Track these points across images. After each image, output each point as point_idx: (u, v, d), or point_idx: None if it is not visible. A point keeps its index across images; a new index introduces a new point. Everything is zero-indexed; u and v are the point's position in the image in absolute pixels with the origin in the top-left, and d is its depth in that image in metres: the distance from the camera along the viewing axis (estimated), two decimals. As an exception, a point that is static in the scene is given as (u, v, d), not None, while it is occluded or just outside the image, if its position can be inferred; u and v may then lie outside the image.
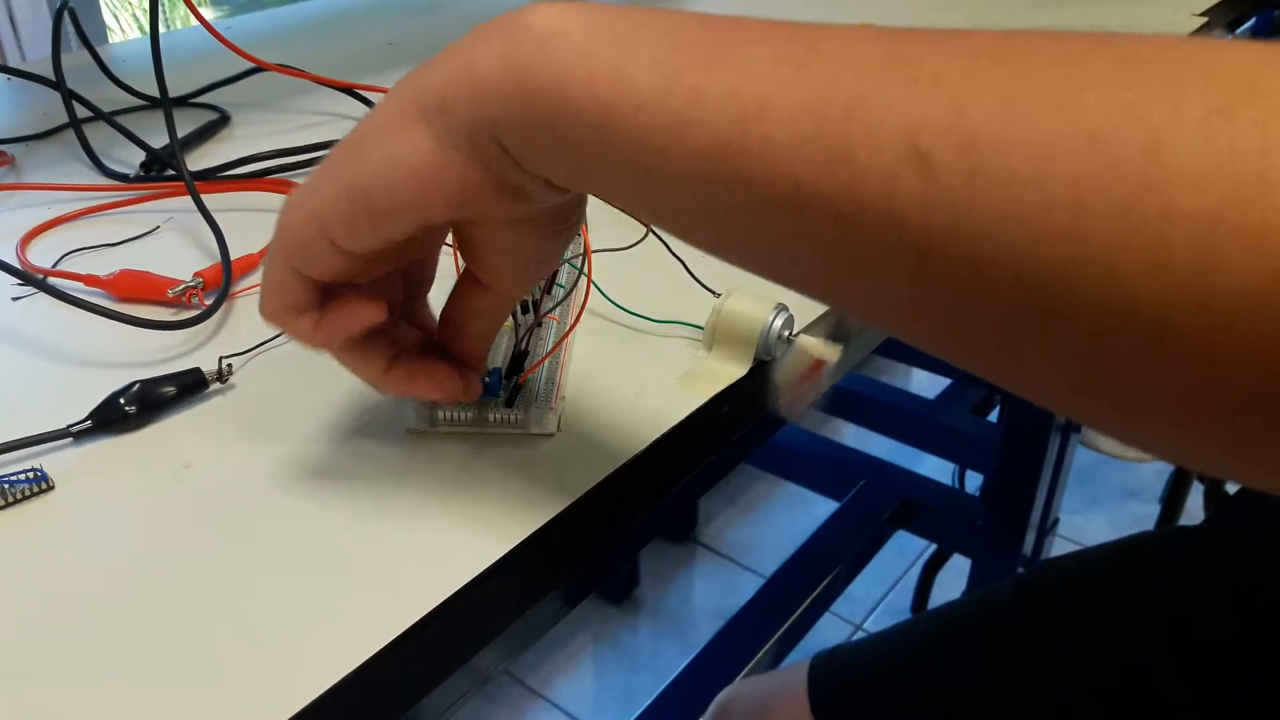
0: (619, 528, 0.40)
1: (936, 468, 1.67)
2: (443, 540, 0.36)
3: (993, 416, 1.78)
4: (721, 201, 0.26)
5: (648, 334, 0.48)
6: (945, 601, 0.76)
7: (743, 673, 1.18)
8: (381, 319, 0.35)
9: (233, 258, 0.52)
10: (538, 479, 0.39)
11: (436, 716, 0.35)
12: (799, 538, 1.40)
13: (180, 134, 0.63)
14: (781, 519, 1.80)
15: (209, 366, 0.43)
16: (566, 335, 0.46)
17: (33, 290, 0.52)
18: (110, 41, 1.13)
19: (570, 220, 0.35)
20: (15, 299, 0.52)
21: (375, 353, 0.37)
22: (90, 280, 0.51)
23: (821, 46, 0.25)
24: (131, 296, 0.51)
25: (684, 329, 0.48)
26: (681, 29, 0.28)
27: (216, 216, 0.54)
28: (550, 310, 0.48)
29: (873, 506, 1.45)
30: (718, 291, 0.46)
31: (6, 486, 0.37)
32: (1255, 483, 0.22)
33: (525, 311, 0.48)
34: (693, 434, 0.42)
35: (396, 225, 0.32)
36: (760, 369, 0.45)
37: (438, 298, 0.40)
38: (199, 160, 0.68)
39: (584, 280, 0.49)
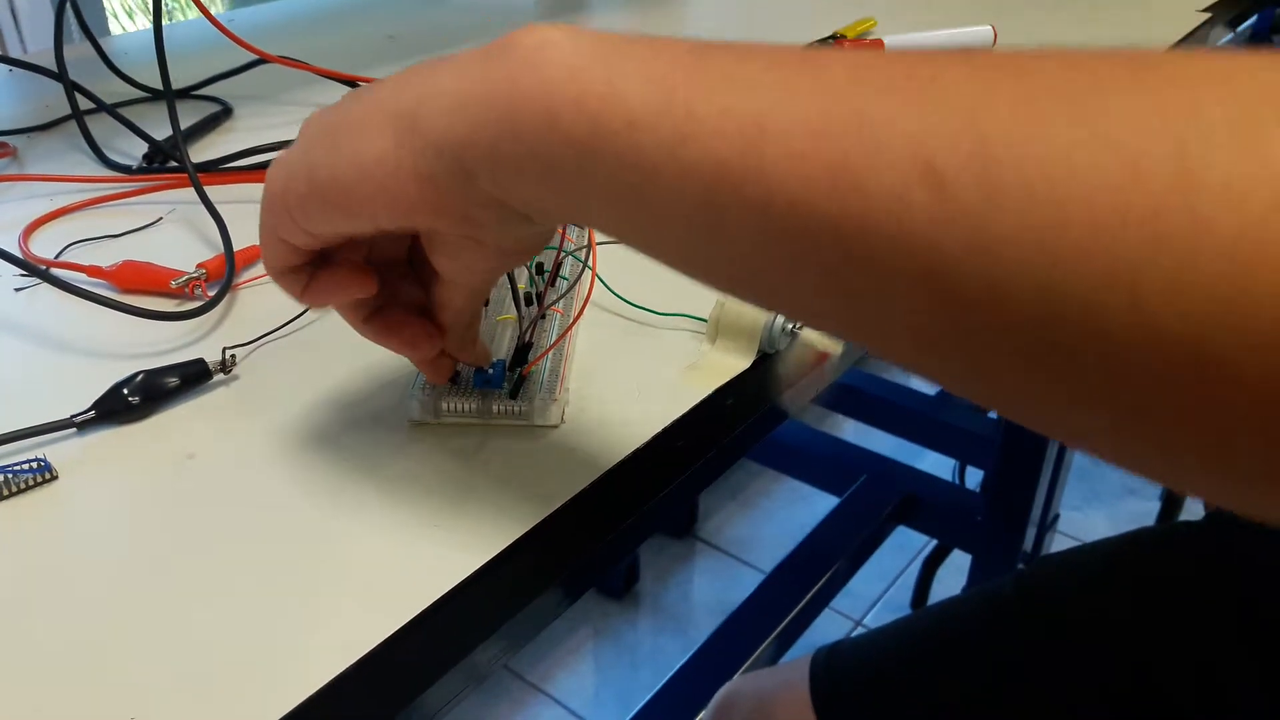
0: (621, 521, 0.40)
1: (937, 463, 1.67)
2: (444, 533, 0.36)
3: (993, 413, 1.78)
4: (718, 225, 0.25)
5: (651, 326, 0.48)
6: (945, 598, 0.76)
7: (743, 668, 1.18)
8: (369, 293, 0.36)
9: (235, 249, 0.52)
10: (540, 471, 0.39)
11: (436, 711, 0.35)
12: (799, 533, 1.40)
13: (183, 126, 0.63)
14: (782, 514, 1.80)
15: (212, 357, 0.43)
16: (570, 328, 0.46)
17: (36, 281, 0.52)
18: (112, 33, 1.13)
19: (531, 249, 0.35)
20: (18, 290, 0.52)
21: (362, 304, 0.37)
22: (93, 271, 0.51)
23: (825, 66, 0.24)
24: (134, 287, 0.51)
25: (688, 321, 0.48)
26: (676, 48, 0.27)
27: (219, 208, 0.54)
28: (554, 302, 0.48)
29: (873, 502, 1.45)
30: (721, 284, 0.46)
31: (10, 476, 0.37)
32: None
33: (529, 304, 0.48)
34: (696, 427, 0.42)
35: (347, 222, 0.32)
36: (764, 362, 0.45)
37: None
38: (201, 152, 0.68)
39: (588, 273, 0.49)
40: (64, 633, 0.32)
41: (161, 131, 0.66)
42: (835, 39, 0.88)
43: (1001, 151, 0.20)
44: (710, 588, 1.66)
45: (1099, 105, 0.20)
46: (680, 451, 0.42)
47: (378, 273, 0.36)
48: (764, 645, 1.21)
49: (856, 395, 1.54)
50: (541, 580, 0.37)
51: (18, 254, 0.52)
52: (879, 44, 0.87)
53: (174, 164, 0.65)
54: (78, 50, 0.79)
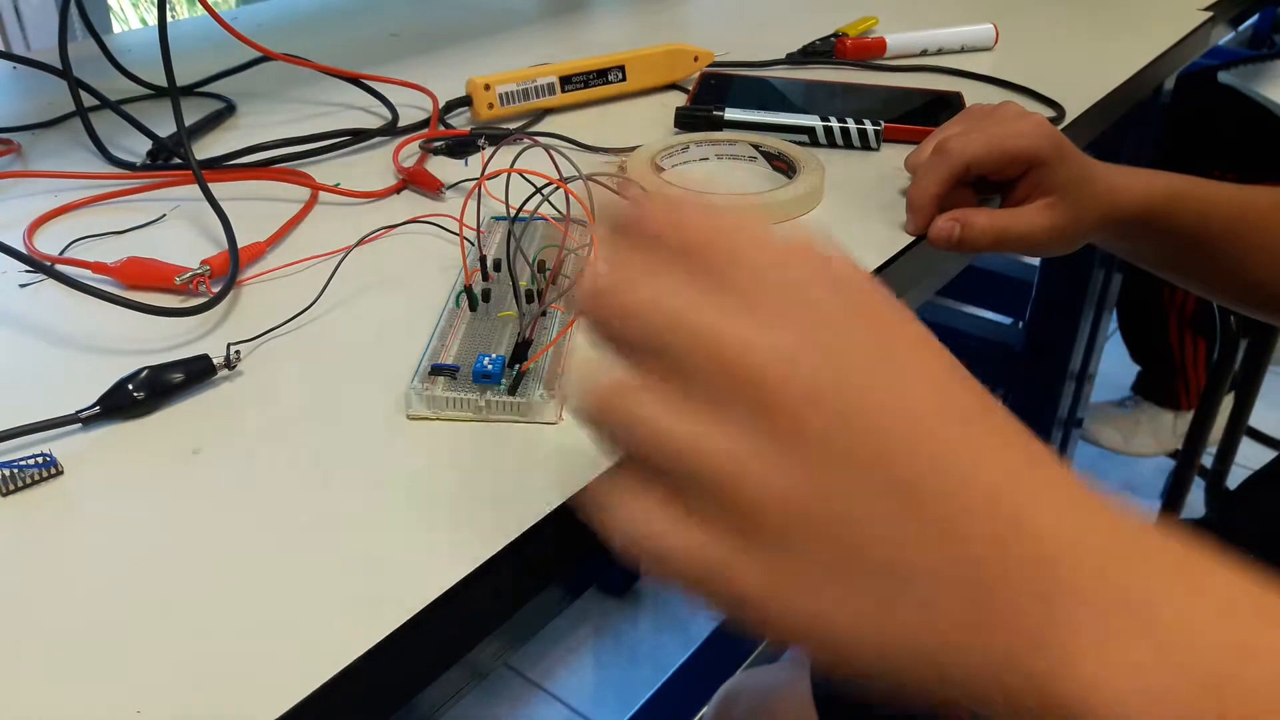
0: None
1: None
2: (444, 530, 0.36)
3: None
4: None
5: (653, 324, 0.48)
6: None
7: (742, 666, 1.19)
8: None
9: (240, 245, 0.52)
10: (540, 468, 0.39)
11: (436, 708, 0.36)
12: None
13: (186, 123, 0.63)
14: (783, 513, 1.80)
15: (216, 353, 0.44)
16: (571, 324, 0.46)
17: (40, 277, 0.52)
18: (116, 30, 1.13)
19: None
20: (23, 286, 0.52)
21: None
22: (98, 267, 0.51)
23: None
24: (139, 284, 0.51)
25: (689, 319, 0.48)
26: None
27: (223, 205, 0.54)
28: (555, 300, 0.48)
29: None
30: (723, 282, 0.46)
31: (16, 471, 0.37)
32: None
33: (530, 301, 0.48)
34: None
35: None
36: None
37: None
38: (205, 149, 0.68)
39: (589, 269, 0.49)
40: (70, 626, 0.32)
41: (165, 128, 0.66)
42: (837, 37, 0.88)
43: None
44: (711, 585, 1.66)
45: None
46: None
47: None
48: (764, 643, 1.21)
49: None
50: (542, 578, 0.38)
51: (23, 250, 0.52)
52: (880, 42, 0.87)
53: (178, 161, 0.65)
54: (82, 47, 0.79)
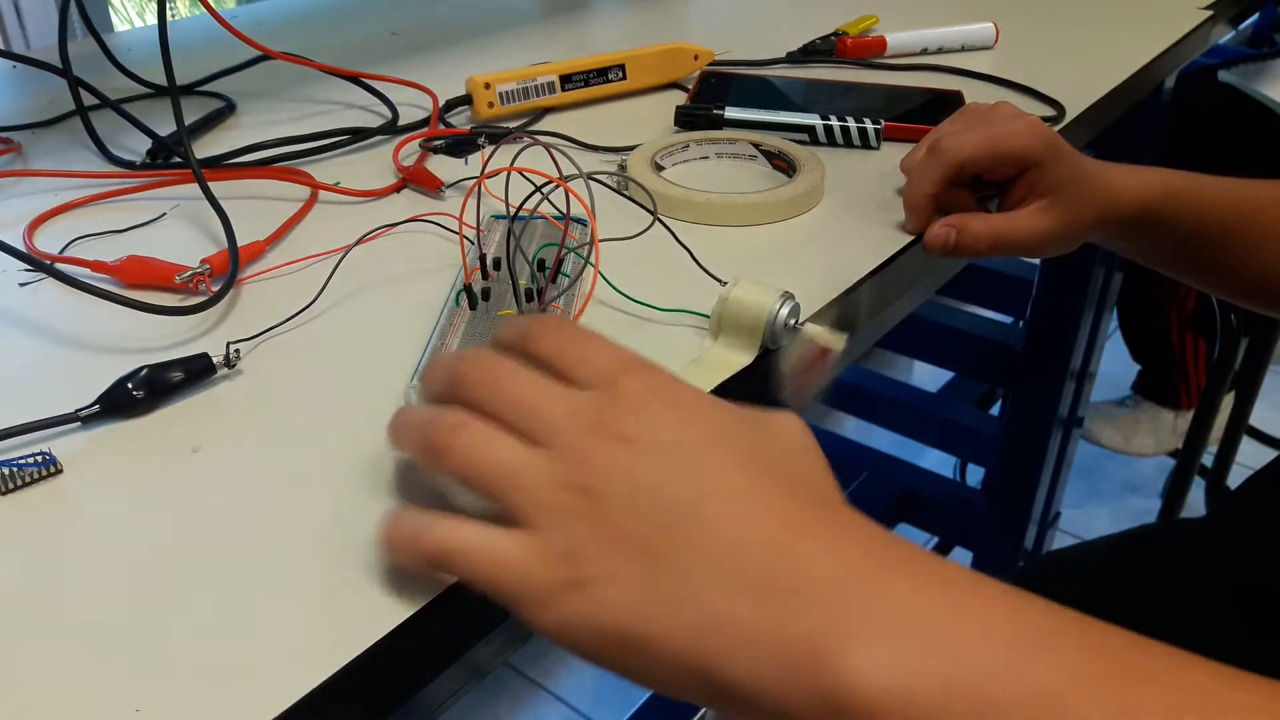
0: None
1: (938, 461, 1.67)
2: (449, 525, 0.36)
3: (994, 410, 1.78)
4: None
5: (654, 322, 0.48)
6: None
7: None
8: None
9: (239, 244, 0.52)
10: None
11: (437, 707, 0.36)
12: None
13: (186, 122, 0.63)
14: (783, 512, 1.80)
15: (216, 352, 0.43)
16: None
17: (40, 276, 0.52)
18: (116, 29, 1.13)
19: None
20: (23, 284, 0.52)
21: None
22: (97, 266, 0.51)
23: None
24: (139, 282, 0.51)
25: (690, 317, 0.48)
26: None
27: (223, 203, 0.54)
28: (555, 298, 0.48)
29: (874, 499, 1.45)
30: (724, 280, 0.47)
31: (15, 470, 0.37)
32: None
33: (529, 299, 0.48)
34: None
35: None
36: (766, 357, 0.46)
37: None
38: (205, 148, 0.68)
39: (589, 269, 0.49)
40: (69, 625, 0.32)
41: (165, 127, 0.66)
42: (837, 36, 0.88)
43: None
44: (711, 584, 1.66)
45: None
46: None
47: None
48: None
49: (858, 392, 1.54)
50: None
51: (22, 249, 0.52)
52: (880, 41, 0.87)
53: (178, 160, 0.65)
54: (82, 46, 0.79)
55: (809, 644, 0.27)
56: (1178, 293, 1.69)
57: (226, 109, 0.75)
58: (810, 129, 0.68)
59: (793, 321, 0.45)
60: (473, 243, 0.53)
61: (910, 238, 0.57)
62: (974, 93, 0.77)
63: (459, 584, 0.34)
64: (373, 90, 0.76)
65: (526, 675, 1.49)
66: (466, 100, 0.72)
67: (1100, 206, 0.58)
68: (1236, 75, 1.37)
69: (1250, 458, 1.78)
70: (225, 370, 0.44)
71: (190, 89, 0.79)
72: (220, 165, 0.64)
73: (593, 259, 0.49)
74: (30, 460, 0.38)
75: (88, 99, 0.67)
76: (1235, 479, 1.61)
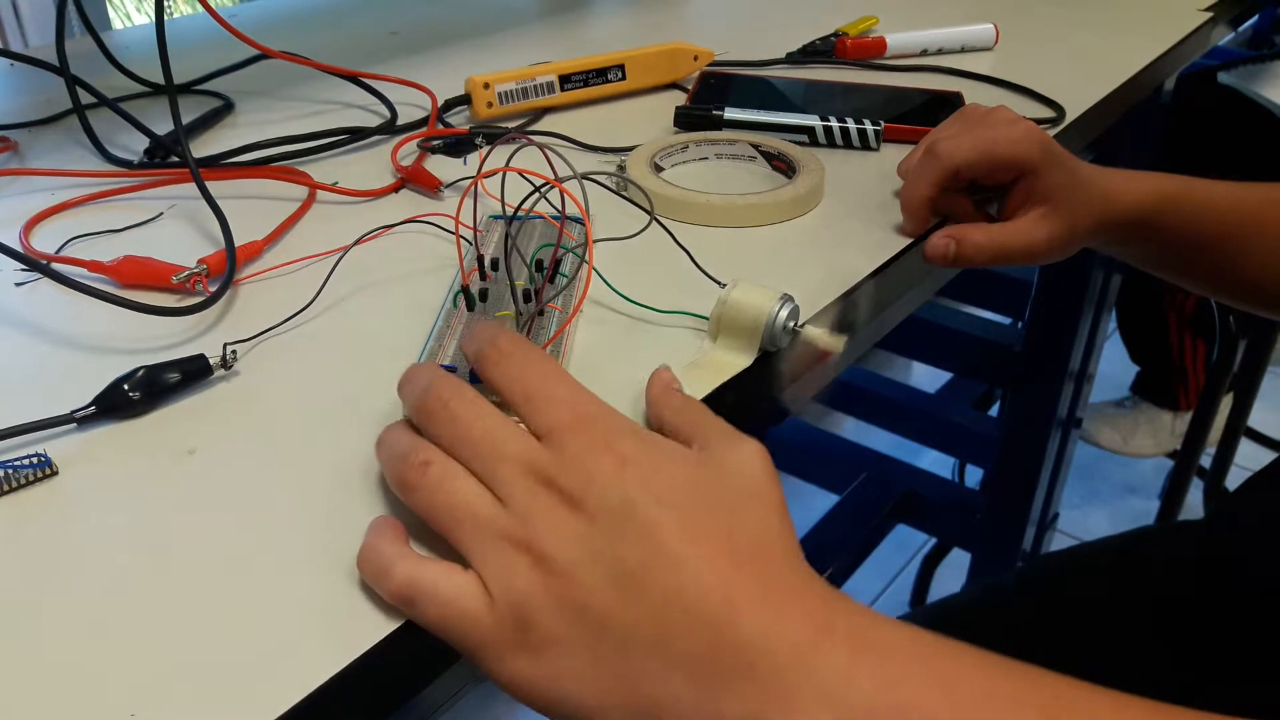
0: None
1: (937, 462, 1.67)
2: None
3: (993, 411, 1.78)
4: None
5: (652, 324, 0.48)
6: (944, 595, 0.76)
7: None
8: None
9: (237, 244, 0.52)
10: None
11: (435, 709, 0.35)
12: (799, 531, 1.40)
13: (184, 121, 0.63)
14: (781, 512, 1.80)
15: (213, 353, 0.43)
16: (567, 323, 0.46)
17: (36, 276, 0.52)
18: (114, 27, 1.12)
19: None
20: (19, 284, 0.52)
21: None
22: (94, 266, 0.51)
23: None
24: (135, 283, 0.51)
25: (688, 319, 0.48)
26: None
27: (221, 203, 0.54)
28: (552, 299, 0.48)
29: (873, 500, 1.45)
30: (723, 282, 0.46)
31: (10, 471, 0.37)
32: None
33: (527, 300, 0.48)
34: (696, 424, 0.42)
35: None
36: (765, 360, 0.45)
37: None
38: (203, 147, 0.68)
39: (586, 269, 0.49)
40: (64, 629, 0.32)
41: (163, 126, 0.66)
42: (837, 36, 0.87)
43: None
44: (709, 585, 1.66)
45: None
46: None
47: None
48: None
49: (857, 393, 1.54)
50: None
51: (19, 249, 0.52)
52: (880, 42, 0.87)
53: (175, 159, 0.65)
54: (79, 45, 0.79)
55: None
56: (1177, 294, 1.69)
57: (225, 108, 0.75)
58: (810, 130, 0.68)
59: (792, 323, 0.45)
60: (470, 243, 0.53)
61: (909, 240, 0.56)
62: (974, 94, 0.77)
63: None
64: (371, 90, 0.76)
65: (524, 675, 1.49)
66: (465, 100, 0.72)
67: (1098, 212, 0.58)
68: (1236, 77, 1.37)
69: (1249, 459, 1.78)
70: (222, 371, 0.44)
71: (188, 88, 0.79)
72: (218, 165, 0.64)
73: (589, 259, 0.49)
74: (25, 462, 0.38)
75: (85, 97, 0.67)
76: (1234, 480, 1.61)
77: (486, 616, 0.31)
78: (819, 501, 1.59)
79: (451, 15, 1.00)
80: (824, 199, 0.61)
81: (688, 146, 0.66)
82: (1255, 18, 1.75)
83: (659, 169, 0.63)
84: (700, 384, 0.43)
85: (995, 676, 0.29)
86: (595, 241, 0.53)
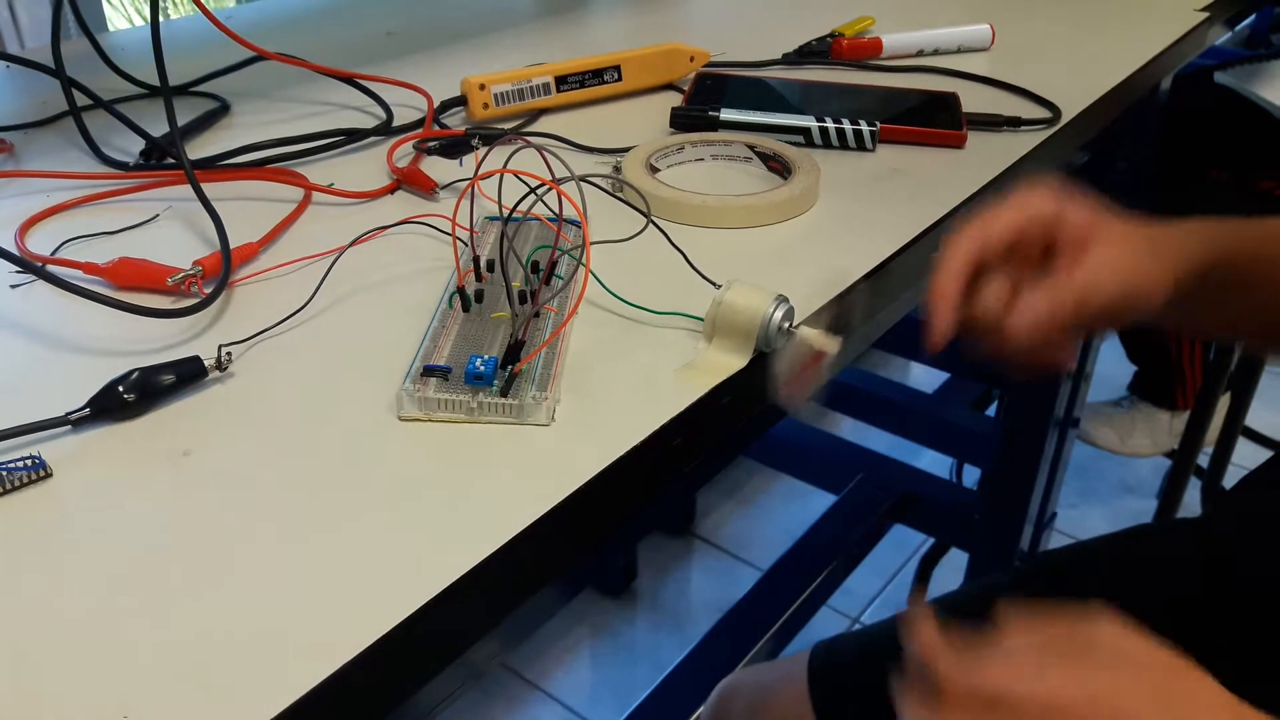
0: (616, 520, 0.40)
1: (934, 462, 1.67)
2: (437, 531, 0.36)
3: (991, 411, 1.78)
4: None
5: (647, 325, 0.48)
6: (943, 594, 0.76)
7: (739, 666, 1.18)
8: None
9: (232, 246, 0.52)
10: (533, 469, 0.39)
11: (433, 707, 0.35)
12: (796, 531, 1.40)
13: (180, 123, 0.63)
14: (779, 512, 1.80)
15: (208, 355, 0.43)
16: (563, 325, 0.46)
17: (31, 278, 0.52)
18: (112, 29, 1.12)
19: None
20: (14, 286, 0.52)
21: None
22: (89, 268, 0.51)
23: None
24: (130, 284, 0.51)
25: (684, 320, 0.48)
26: None
27: (216, 205, 0.54)
28: (548, 300, 0.48)
29: (870, 500, 1.45)
30: (718, 283, 0.46)
31: (5, 474, 0.37)
32: None
33: (523, 302, 0.48)
34: (693, 425, 0.42)
35: None
36: (760, 360, 0.45)
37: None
38: (199, 149, 0.68)
39: (582, 271, 0.49)
40: (58, 631, 0.32)
41: (159, 128, 0.66)
42: (833, 37, 0.88)
43: None
44: (707, 585, 1.66)
45: None
46: (677, 449, 0.42)
47: None
48: (761, 643, 1.21)
49: (854, 393, 1.54)
50: (538, 577, 0.37)
51: (14, 251, 0.52)
52: (876, 43, 0.87)
53: (171, 161, 0.65)
54: (75, 47, 0.79)
55: None
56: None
57: (220, 110, 0.75)
58: (806, 131, 0.68)
59: (787, 324, 0.45)
60: (466, 245, 0.53)
61: (907, 239, 0.56)
62: (970, 94, 0.77)
63: (451, 587, 0.34)
64: (367, 91, 0.76)
65: (523, 676, 1.49)
66: (461, 101, 0.72)
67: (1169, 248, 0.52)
68: (1233, 77, 1.37)
69: (1246, 458, 1.78)
70: (217, 373, 0.44)
71: (184, 90, 0.79)
72: (214, 166, 0.64)
73: (585, 261, 0.49)
74: (19, 464, 0.38)
75: (81, 99, 0.67)
76: (1231, 479, 1.61)
77: None
78: (817, 501, 1.59)
79: (447, 16, 1.00)
80: (819, 200, 0.61)
81: (684, 148, 0.66)
82: (1252, 17, 1.75)
83: (655, 170, 0.63)
84: (695, 385, 0.43)
85: None
86: (591, 244, 0.53)
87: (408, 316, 0.48)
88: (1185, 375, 1.79)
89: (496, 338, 0.45)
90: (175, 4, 2.14)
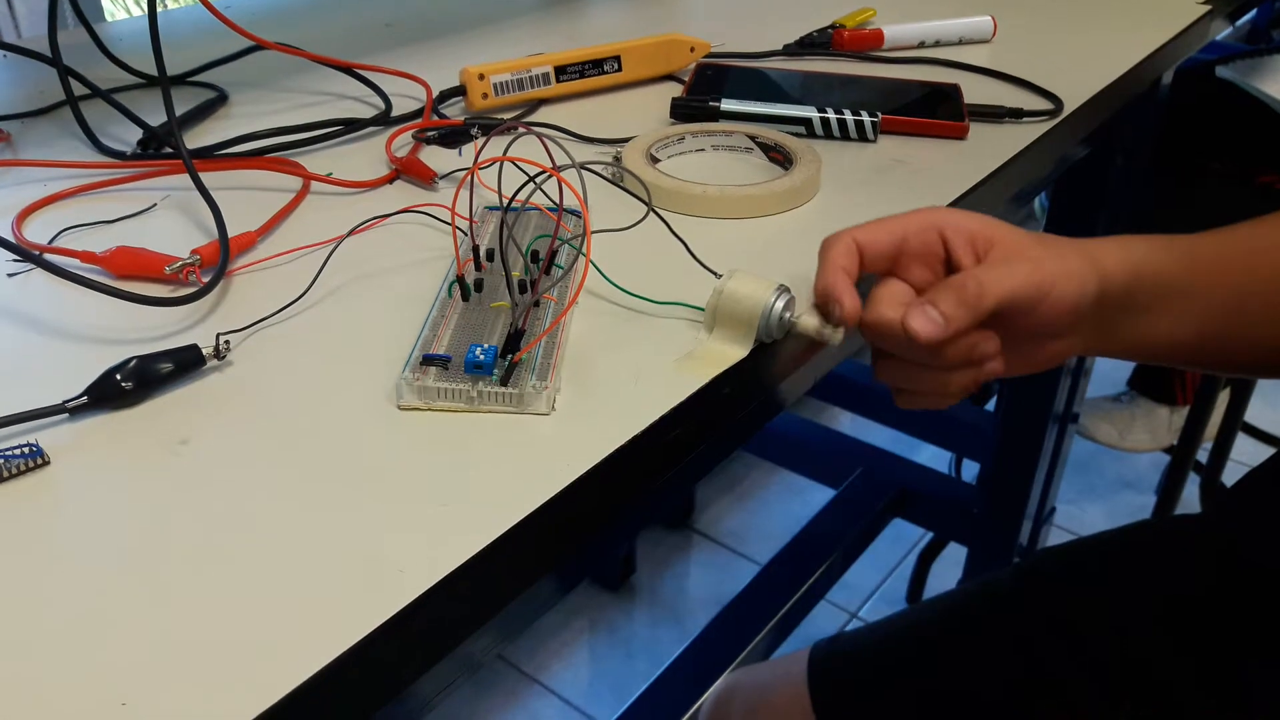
0: (615, 511, 0.40)
1: (934, 456, 1.67)
2: (434, 521, 0.36)
3: (990, 406, 1.78)
4: None
5: (647, 315, 0.48)
6: (942, 591, 0.76)
7: (738, 660, 1.18)
8: None
9: (230, 235, 0.51)
10: (532, 460, 0.39)
11: (430, 699, 0.35)
12: (795, 525, 1.40)
13: (178, 112, 0.62)
14: (778, 507, 1.80)
15: (206, 343, 0.43)
16: (563, 314, 0.46)
17: (29, 266, 0.52)
18: (111, 19, 1.12)
19: None
20: (11, 275, 0.51)
21: None
22: (87, 257, 0.51)
23: None
24: (128, 273, 0.50)
25: (684, 310, 0.48)
26: None
27: (214, 194, 0.54)
28: (548, 290, 0.48)
29: (869, 495, 1.45)
30: (719, 272, 0.46)
31: (2, 461, 0.37)
32: None
33: (523, 291, 0.47)
34: (693, 416, 0.42)
35: None
36: (761, 351, 0.45)
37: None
38: (196, 138, 0.67)
39: (582, 260, 0.49)
40: (55, 618, 0.32)
41: (157, 118, 0.66)
42: (834, 28, 0.87)
43: None
44: (706, 579, 1.66)
45: None
46: (676, 441, 0.41)
47: None
48: (759, 637, 1.21)
49: (853, 388, 1.54)
50: (535, 570, 0.37)
51: (11, 239, 0.52)
52: (878, 34, 0.87)
53: (169, 150, 0.64)
54: (73, 36, 0.79)
55: None
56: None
57: (218, 99, 0.74)
58: (807, 121, 0.68)
59: (788, 315, 0.45)
60: (465, 234, 0.52)
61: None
62: (971, 86, 0.77)
63: (449, 578, 0.33)
64: (366, 81, 0.76)
65: (520, 669, 1.49)
66: (460, 91, 0.72)
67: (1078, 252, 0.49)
68: (1234, 71, 1.37)
69: (1245, 454, 1.78)
70: (215, 362, 0.43)
71: (182, 79, 0.78)
72: (211, 156, 0.64)
73: (586, 250, 0.49)
74: (17, 452, 0.37)
75: (78, 89, 0.66)
76: (1230, 476, 1.61)
77: None
78: (816, 496, 1.59)
79: (447, 6, 0.99)
80: (820, 190, 0.61)
81: (684, 138, 0.65)
82: (1253, 12, 1.75)
83: (655, 160, 0.63)
84: (695, 375, 0.43)
85: None
86: (592, 233, 0.53)
87: (407, 306, 0.48)
88: (1185, 371, 1.80)
89: (496, 327, 0.45)
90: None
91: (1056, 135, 0.71)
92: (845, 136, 0.68)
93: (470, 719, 1.42)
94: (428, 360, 0.42)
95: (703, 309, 0.46)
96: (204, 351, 0.43)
